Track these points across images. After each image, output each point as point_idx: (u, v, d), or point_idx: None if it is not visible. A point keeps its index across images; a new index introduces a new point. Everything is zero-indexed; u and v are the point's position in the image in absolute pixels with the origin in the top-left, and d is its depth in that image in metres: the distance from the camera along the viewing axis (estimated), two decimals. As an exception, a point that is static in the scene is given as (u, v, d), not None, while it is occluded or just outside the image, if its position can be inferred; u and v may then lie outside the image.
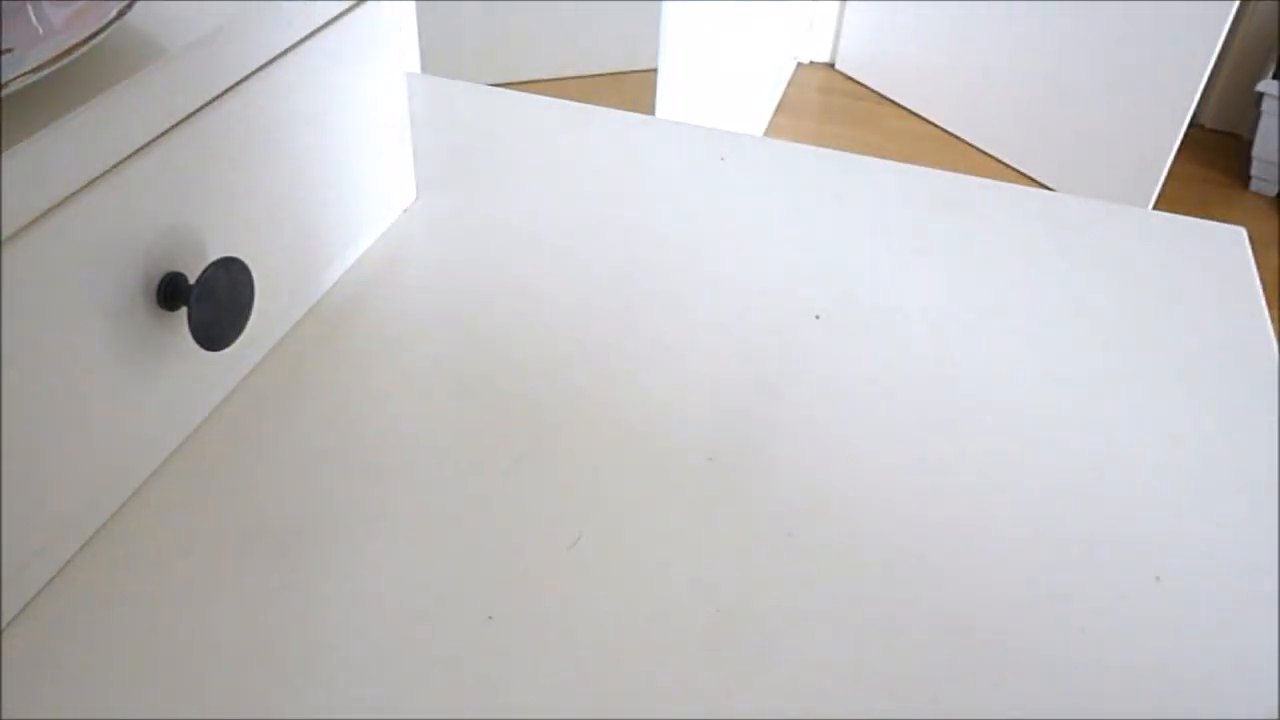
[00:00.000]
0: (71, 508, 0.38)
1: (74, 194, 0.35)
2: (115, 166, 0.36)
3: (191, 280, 0.39)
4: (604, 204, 0.60)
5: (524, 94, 0.69)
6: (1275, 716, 0.36)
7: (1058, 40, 2.05)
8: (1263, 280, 0.51)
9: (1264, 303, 0.55)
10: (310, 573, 0.39)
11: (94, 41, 0.34)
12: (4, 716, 0.34)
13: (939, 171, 0.63)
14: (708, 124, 0.64)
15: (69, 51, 0.34)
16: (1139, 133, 1.96)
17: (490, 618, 0.37)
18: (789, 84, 2.50)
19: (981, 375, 0.50)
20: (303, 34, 0.45)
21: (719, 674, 0.36)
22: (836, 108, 2.47)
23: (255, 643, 0.36)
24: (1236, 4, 1.76)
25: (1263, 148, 2.17)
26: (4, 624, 0.36)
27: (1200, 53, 1.82)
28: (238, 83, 0.41)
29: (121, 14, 0.36)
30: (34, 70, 0.32)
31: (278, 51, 0.43)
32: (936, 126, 2.36)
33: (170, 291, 0.39)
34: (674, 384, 0.48)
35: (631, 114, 0.68)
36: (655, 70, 1.61)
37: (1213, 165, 2.28)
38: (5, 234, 0.32)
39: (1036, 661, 0.37)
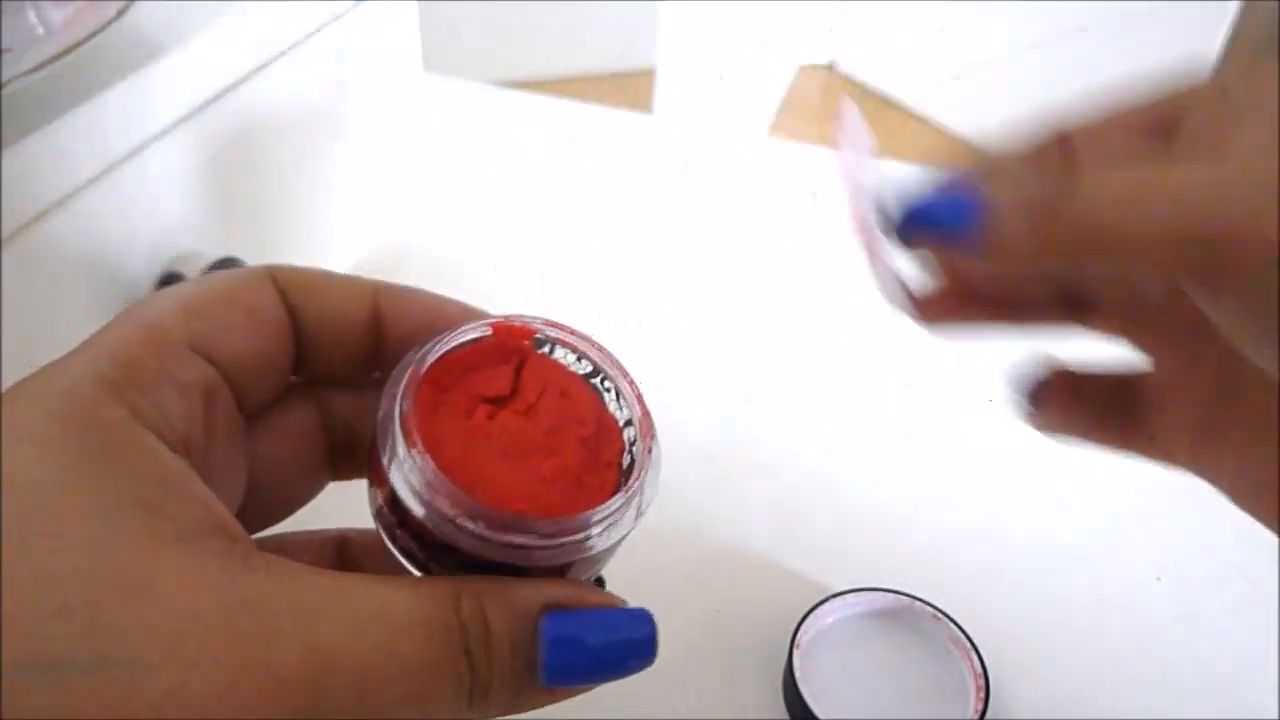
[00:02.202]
0: (71, 508, 0.38)
1: (73, 193, 0.35)
2: (114, 166, 0.36)
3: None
4: (604, 203, 0.60)
5: (524, 94, 0.69)
6: (1275, 717, 0.36)
7: (1058, 41, 2.05)
8: (1263, 280, 0.51)
9: (1264, 302, 0.55)
10: (310, 573, 0.39)
11: (92, 40, 0.34)
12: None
13: (938, 171, 0.63)
14: (708, 124, 0.64)
15: (68, 51, 0.34)
16: (1139, 133, 1.95)
17: (490, 618, 0.37)
18: (789, 84, 2.50)
19: (981, 375, 0.49)
20: (303, 34, 0.45)
21: (718, 674, 0.36)
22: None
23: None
24: (1237, 4, 1.76)
25: (1263, 148, 2.17)
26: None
27: (1200, 52, 1.82)
28: (238, 82, 0.41)
29: (121, 14, 0.36)
30: (33, 70, 0.32)
31: (278, 51, 0.43)
32: (937, 127, 2.36)
33: (170, 291, 0.39)
34: (674, 383, 0.48)
35: (632, 114, 0.68)
36: (653, 70, 1.61)
37: (1213, 165, 2.28)
38: (5, 233, 0.32)
39: (1037, 662, 0.37)
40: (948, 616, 0.36)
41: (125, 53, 0.37)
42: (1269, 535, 0.43)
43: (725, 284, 0.54)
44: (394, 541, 0.22)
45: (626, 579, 0.39)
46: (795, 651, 0.35)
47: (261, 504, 0.24)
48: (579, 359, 0.24)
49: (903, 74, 2.43)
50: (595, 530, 0.21)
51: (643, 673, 0.37)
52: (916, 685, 0.35)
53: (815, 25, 2.52)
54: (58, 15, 0.35)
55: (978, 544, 0.41)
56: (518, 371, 0.23)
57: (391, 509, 0.21)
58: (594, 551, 0.21)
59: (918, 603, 0.36)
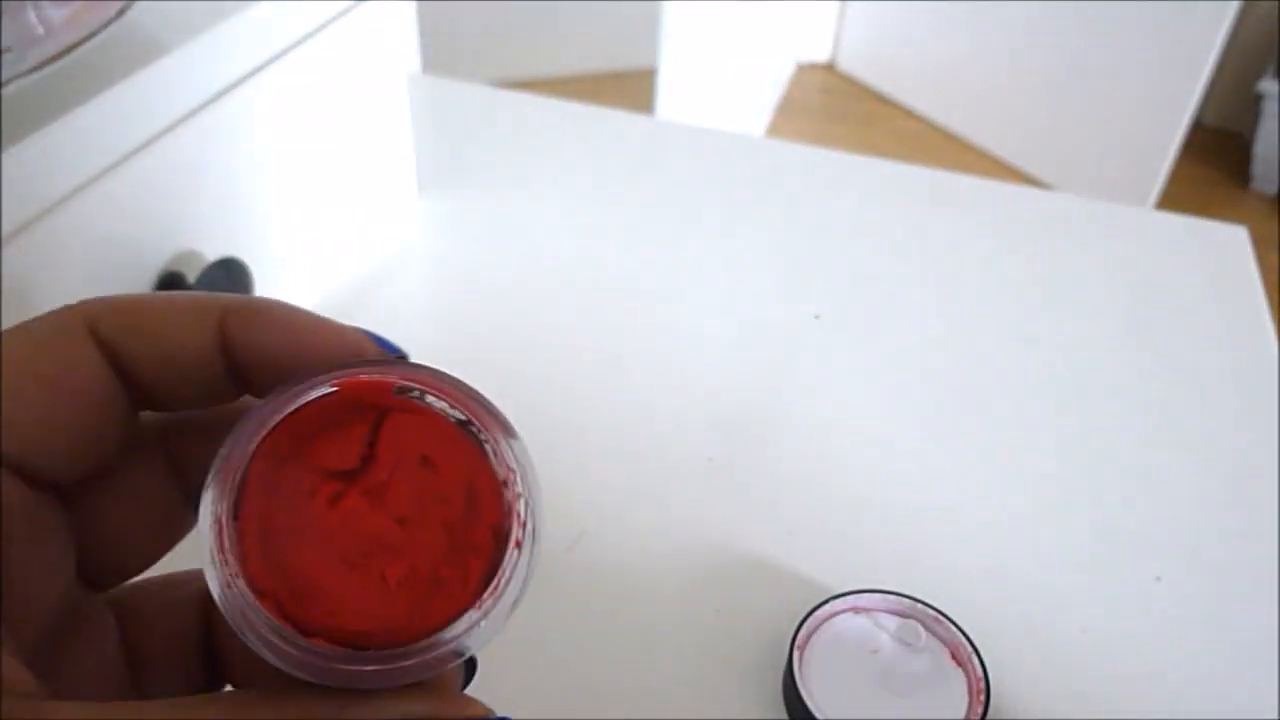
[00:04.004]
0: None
1: (73, 193, 0.35)
2: (114, 166, 0.36)
3: (191, 280, 0.39)
4: (604, 204, 0.60)
5: (524, 94, 0.69)
6: (1275, 717, 0.36)
7: (1058, 40, 2.05)
8: (1263, 280, 0.51)
9: (1265, 302, 0.55)
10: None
11: (92, 40, 0.34)
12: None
13: (939, 171, 0.63)
14: (708, 124, 0.64)
15: (68, 51, 0.34)
16: (1139, 132, 1.96)
17: (490, 618, 0.37)
18: (789, 84, 2.50)
19: (981, 375, 0.50)
20: (303, 34, 0.45)
21: (718, 674, 0.36)
22: (837, 108, 2.46)
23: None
24: (1237, 4, 1.76)
25: (1264, 147, 2.17)
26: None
27: (1200, 52, 1.82)
28: (237, 83, 0.41)
29: (121, 14, 0.36)
30: (33, 69, 0.32)
31: (278, 51, 0.43)
32: (937, 126, 2.36)
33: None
34: (674, 384, 0.48)
35: (631, 114, 0.68)
36: (655, 70, 1.61)
37: (1213, 165, 2.28)
38: (5, 233, 0.32)
39: (1037, 661, 0.37)
40: (948, 617, 0.36)
41: (125, 53, 0.37)
42: (1269, 535, 0.44)
43: (725, 284, 0.54)
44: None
45: (627, 580, 0.39)
46: (795, 651, 0.35)
47: (120, 559, 0.22)
48: (452, 405, 0.20)
49: (903, 74, 2.42)
50: (448, 646, 0.19)
51: (643, 672, 0.37)
52: (916, 686, 0.35)
53: (815, 25, 2.52)
54: (58, 15, 0.35)
55: (978, 545, 0.41)
56: (375, 430, 0.20)
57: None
58: (449, 665, 0.19)
59: (918, 604, 0.36)
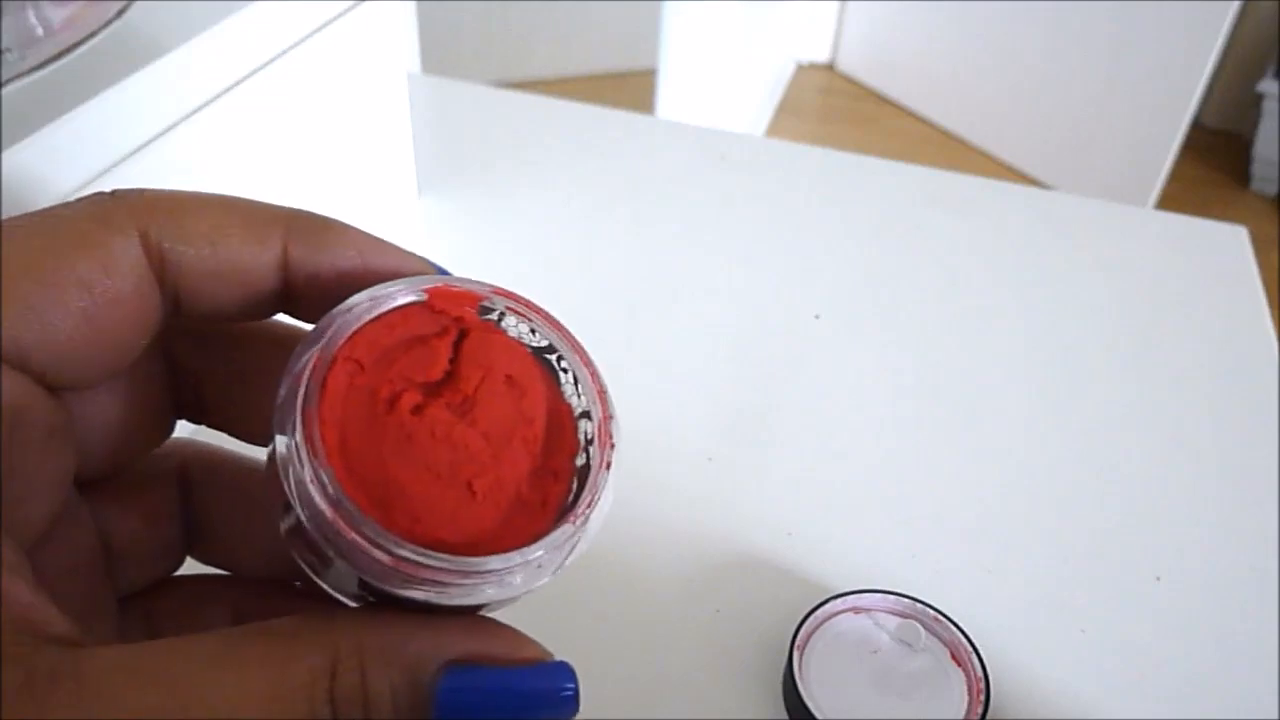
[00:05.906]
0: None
1: (73, 193, 0.35)
2: (113, 166, 0.36)
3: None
4: (604, 204, 0.60)
5: (524, 94, 0.69)
6: (1275, 717, 0.36)
7: (1058, 40, 2.05)
8: (1263, 280, 0.51)
9: (1265, 303, 0.55)
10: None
11: (92, 40, 0.34)
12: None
13: (939, 171, 0.63)
14: (708, 124, 0.64)
15: (68, 51, 0.34)
16: (1139, 132, 1.96)
17: (490, 618, 0.37)
18: (789, 84, 2.50)
19: (981, 375, 0.49)
20: (303, 34, 0.45)
21: (718, 674, 0.36)
22: (836, 108, 2.46)
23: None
24: (1237, 4, 1.76)
25: (1263, 147, 2.17)
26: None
27: (1200, 52, 1.82)
28: (237, 83, 0.41)
29: (120, 14, 0.36)
30: (33, 69, 0.32)
31: (278, 51, 0.43)
32: (936, 127, 2.35)
33: (170, 291, 0.39)
34: (673, 384, 0.48)
35: (631, 114, 0.68)
36: (655, 70, 1.61)
37: (1213, 165, 2.28)
38: (5, 234, 0.32)
39: (1037, 661, 0.37)
40: (948, 617, 0.36)
41: (125, 53, 0.37)
42: (1269, 535, 0.44)
43: (725, 284, 0.54)
44: (290, 541, 0.18)
45: (626, 580, 0.39)
46: (795, 651, 0.35)
47: (104, 457, 0.21)
48: (532, 331, 0.20)
49: (903, 74, 2.42)
50: (532, 565, 0.17)
51: (643, 673, 0.37)
52: (916, 686, 0.35)
53: (815, 25, 2.52)
54: (58, 15, 0.35)
55: (978, 545, 0.41)
56: (456, 347, 0.19)
57: (286, 511, 0.17)
58: (524, 591, 0.18)
59: (918, 603, 0.36)
